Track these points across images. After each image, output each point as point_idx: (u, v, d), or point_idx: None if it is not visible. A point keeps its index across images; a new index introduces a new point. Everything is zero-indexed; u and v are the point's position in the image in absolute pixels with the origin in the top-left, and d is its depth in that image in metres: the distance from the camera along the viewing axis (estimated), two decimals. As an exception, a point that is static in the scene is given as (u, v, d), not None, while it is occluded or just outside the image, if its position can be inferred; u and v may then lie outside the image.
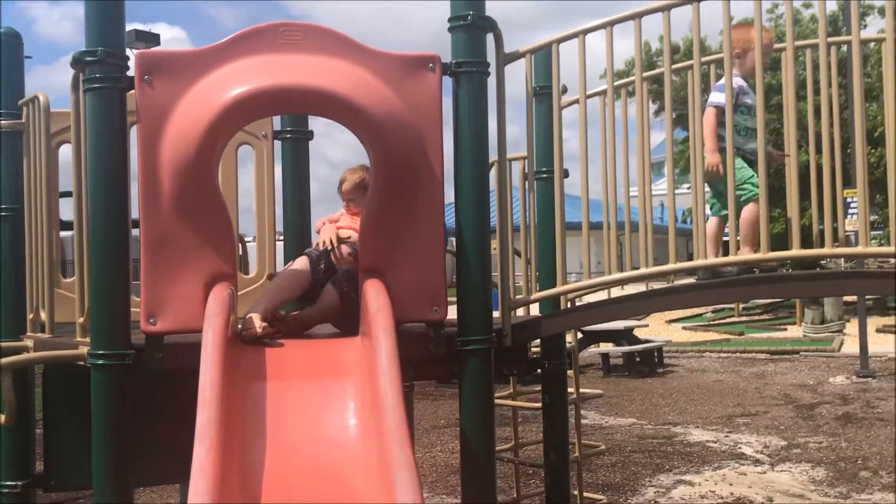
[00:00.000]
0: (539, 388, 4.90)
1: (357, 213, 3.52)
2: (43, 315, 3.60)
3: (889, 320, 19.19)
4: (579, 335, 5.79)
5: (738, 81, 3.72)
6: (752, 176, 3.67)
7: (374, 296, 2.92)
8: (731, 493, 6.80)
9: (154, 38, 17.20)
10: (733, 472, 7.44)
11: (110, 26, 2.91)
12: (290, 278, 3.32)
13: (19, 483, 3.81)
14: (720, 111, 3.62)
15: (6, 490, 3.80)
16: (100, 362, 2.87)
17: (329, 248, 3.33)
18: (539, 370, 4.15)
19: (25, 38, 4.01)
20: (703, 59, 3.46)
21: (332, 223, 3.56)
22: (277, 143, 4.27)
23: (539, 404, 4.45)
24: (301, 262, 3.35)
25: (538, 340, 4.05)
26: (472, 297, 3.15)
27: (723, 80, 3.63)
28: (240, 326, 2.99)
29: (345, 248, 3.35)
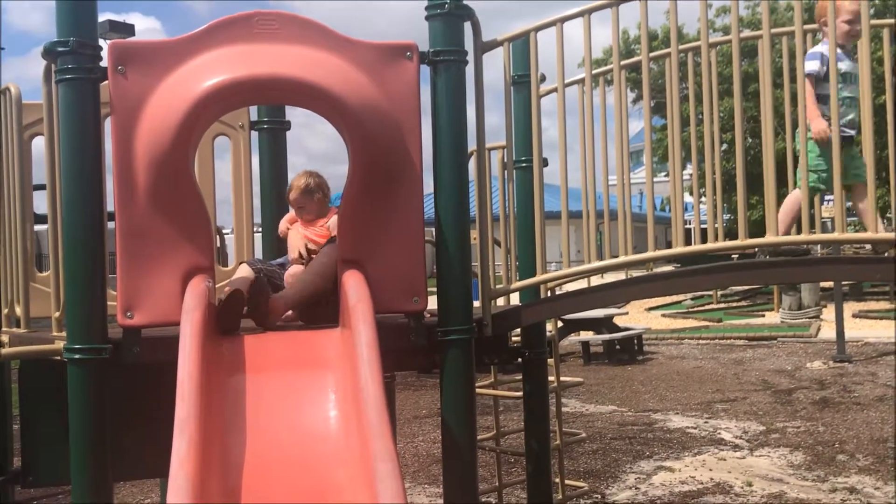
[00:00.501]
0: (520, 376, 4.92)
1: (310, 221, 3.56)
2: (18, 310, 3.56)
3: (865, 305, 19.45)
4: (559, 324, 5.80)
5: (822, 49, 3.66)
6: (819, 164, 3.63)
7: (354, 287, 2.91)
8: (711, 479, 6.86)
9: (128, 29, 16.99)
10: (713, 458, 7.51)
11: (82, 16, 2.87)
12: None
13: (-3, 480, 3.77)
14: (815, 78, 3.63)
15: (-16, 487, 3.76)
16: (76, 357, 2.84)
17: (300, 260, 3.41)
18: (520, 359, 4.16)
19: (-6, 29, 3.94)
20: (681, 47, 3.45)
21: (293, 223, 3.62)
22: (254, 134, 4.23)
23: (520, 393, 4.46)
24: (244, 270, 3.39)
25: (518, 329, 4.06)
26: (453, 287, 3.15)
27: (815, 48, 3.66)
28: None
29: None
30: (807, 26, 3.45)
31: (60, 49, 2.83)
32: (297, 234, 3.53)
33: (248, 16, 2.89)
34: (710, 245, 3.16)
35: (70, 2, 2.85)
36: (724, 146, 13.09)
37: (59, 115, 2.93)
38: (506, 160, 4.17)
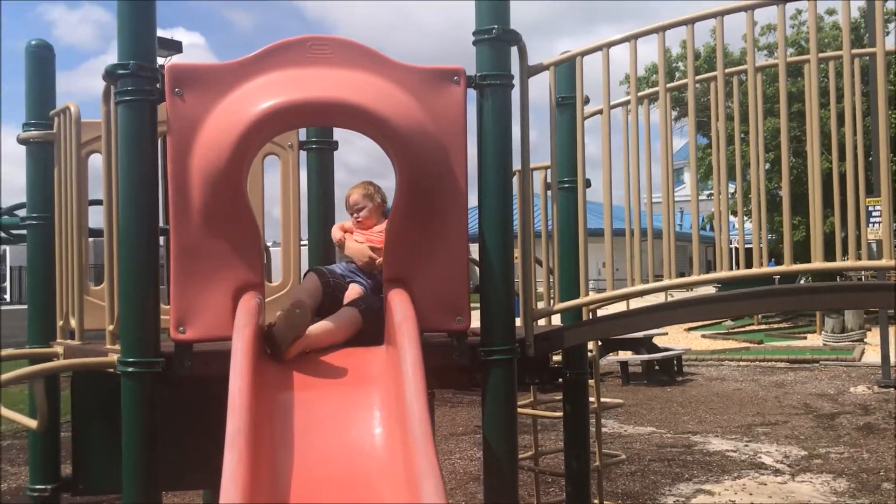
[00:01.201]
0: (558, 396, 4.92)
1: (368, 226, 3.56)
2: (72, 322, 3.66)
3: (911, 329, 19.03)
4: (599, 343, 5.79)
5: None
6: None
7: (399, 305, 2.96)
8: (752, 504, 6.77)
9: (176, 46, 17.36)
10: (753, 482, 7.40)
11: (142, 40, 2.97)
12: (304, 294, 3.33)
13: (48, 487, 3.88)
14: None
15: (36, 493, 3.87)
16: (130, 370, 2.92)
17: (373, 263, 3.42)
18: (560, 379, 4.17)
19: (32, 39, 4.05)
20: (727, 70, 3.46)
21: (348, 232, 3.61)
22: (302, 153, 4.32)
23: (560, 413, 4.46)
24: (312, 284, 3.38)
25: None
26: (496, 306, 3.18)
27: None
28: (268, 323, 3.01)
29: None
30: (855, 51, 3.43)
31: (121, 71, 2.93)
32: (359, 240, 3.53)
33: (302, 40, 2.97)
34: (754, 270, 3.15)
35: (131, 27, 2.95)
36: (767, 165, 12.98)
37: (117, 134, 3.03)
38: (548, 180, 4.21)
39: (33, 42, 4.01)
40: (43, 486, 3.88)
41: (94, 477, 3.72)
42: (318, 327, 3.08)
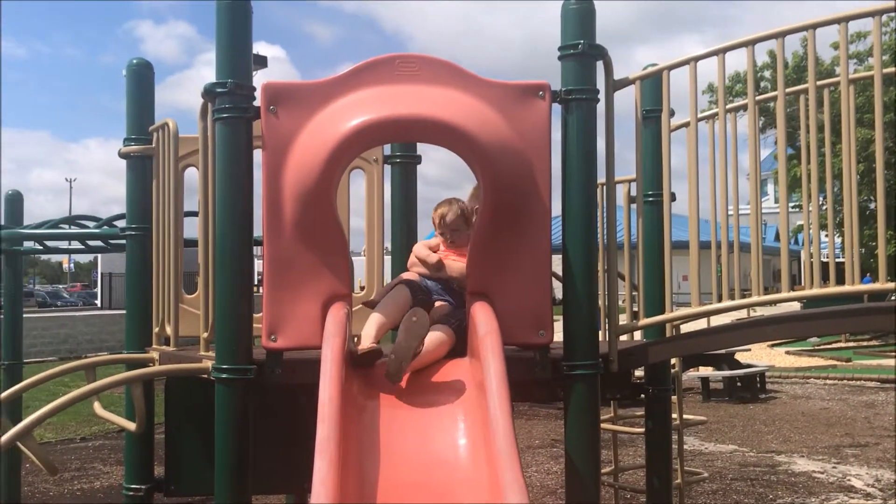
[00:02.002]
0: (639, 411, 4.87)
1: (459, 247, 3.44)
2: (168, 329, 3.81)
3: None
4: (680, 358, 5.70)
5: None
6: None
7: (483, 319, 2.99)
8: (841, 528, 6.54)
9: (262, 61, 17.89)
10: (842, 506, 7.16)
11: (239, 59, 3.10)
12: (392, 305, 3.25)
13: (142, 487, 4.03)
14: None
15: (131, 492, 4.03)
16: (224, 376, 3.03)
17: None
18: (642, 395, 4.13)
19: (134, 56, 4.26)
20: (820, 82, 3.39)
21: (435, 249, 3.55)
22: (386, 167, 4.40)
23: (640, 429, 4.42)
24: (403, 294, 3.28)
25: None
26: (579, 321, 3.18)
27: None
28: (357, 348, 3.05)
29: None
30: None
31: (219, 90, 3.06)
32: (458, 261, 3.44)
33: (390, 58, 3.04)
34: (847, 288, 3.07)
35: (229, 47, 3.07)
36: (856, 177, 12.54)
37: (213, 149, 3.16)
38: (633, 194, 4.19)
39: (134, 61, 4.20)
40: (137, 486, 4.04)
41: (185, 479, 3.86)
42: (427, 344, 3.06)
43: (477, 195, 3.51)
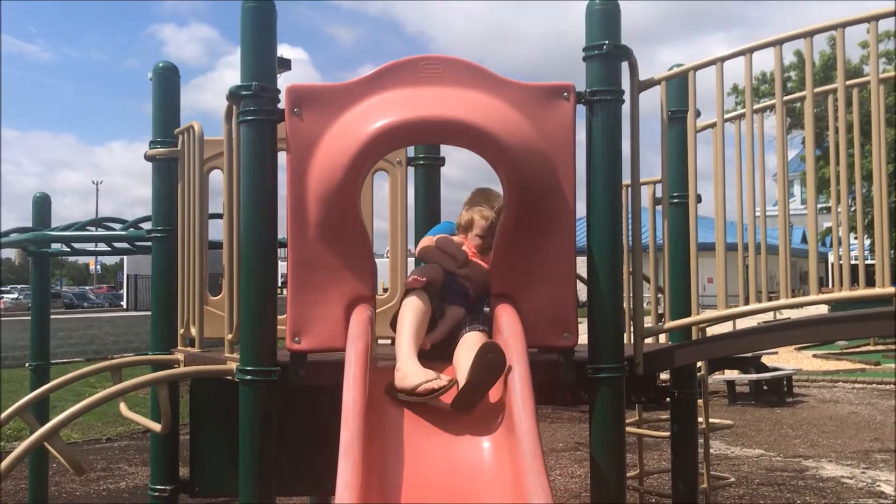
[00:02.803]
0: (664, 415, 4.83)
1: (485, 251, 3.35)
2: (192, 330, 3.83)
3: None
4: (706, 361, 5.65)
5: None
6: None
7: (507, 321, 2.98)
8: (870, 534, 6.44)
9: (286, 64, 17.98)
10: (871, 512, 7.05)
11: (264, 62, 3.11)
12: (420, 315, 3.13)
13: (167, 487, 4.06)
14: None
15: (156, 493, 4.05)
16: (248, 378, 3.04)
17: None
18: (668, 399, 4.09)
19: (156, 59, 4.30)
20: (848, 82, 3.34)
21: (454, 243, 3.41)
22: (410, 169, 4.40)
23: (666, 433, 4.38)
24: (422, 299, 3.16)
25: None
26: (604, 324, 3.15)
27: None
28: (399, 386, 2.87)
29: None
30: None
31: (244, 93, 3.07)
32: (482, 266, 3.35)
33: (414, 60, 3.03)
34: (878, 290, 3.02)
35: (253, 49, 3.08)
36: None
37: (238, 152, 3.17)
38: (657, 195, 4.15)
39: (160, 64, 4.23)
40: (163, 487, 4.07)
41: (210, 480, 3.88)
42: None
43: (489, 205, 3.46)
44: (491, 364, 2.77)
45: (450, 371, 2.97)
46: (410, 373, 2.84)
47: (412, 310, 3.11)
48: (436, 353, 3.13)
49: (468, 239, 3.44)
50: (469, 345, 3.03)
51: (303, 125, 2.99)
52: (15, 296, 48.05)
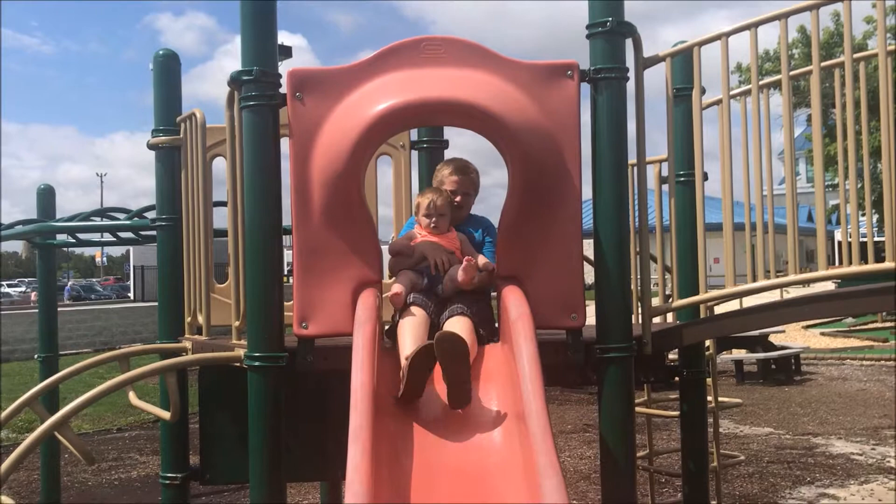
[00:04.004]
0: (672, 394, 4.82)
1: (443, 231, 3.32)
2: (200, 318, 3.83)
3: None
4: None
5: None
6: None
7: (514, 303, 2.96)
8: (881, 510, 6.45)
9: (286, 51, 17.91)
10: (882, 488, 7.04)
11: (264, 47, 3.09)
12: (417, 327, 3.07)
13: (178, 475, 4.07)
14: None
15: (167, 481, 4.07)
16: (256, 364, 3.04)
17: (443, 269, 3.23)
18: (677, 378, 4.08)
19: (154, 50, 4.26)
20: (855, 56, 3.30)
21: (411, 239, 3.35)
22: (413, 152, 4.38)
23: (675, 412, 4.37)
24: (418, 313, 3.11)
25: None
26: (612, 303, 3.13)
27: None
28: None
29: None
30: None
31: (245, 78, 3.05)
32: (435, 243, 3.30)
33: (416, 42, 3.01)
34: (888, 265, 2.99)
35: (254, 34, 3.06)
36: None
37: (241, 138, 3.15)
38: (664, 174, 4.13)
39: (161, 52, 4.22)
40: (174, 475, 4.08)
41: (220, 467, 3.88)
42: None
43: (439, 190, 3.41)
44: (450, 352, 2.72)
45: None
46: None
47: (410, 324, 3.05)
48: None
49: (420, 224, 3.36)
50: (451, 325, 3.03)
51: (305, 110, 2.97)
52: (23, 289, 48.25)
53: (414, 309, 3.11)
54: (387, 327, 3.21)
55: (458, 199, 3.44)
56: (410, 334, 3.00)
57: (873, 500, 6.72)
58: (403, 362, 2.82)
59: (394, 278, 3.32)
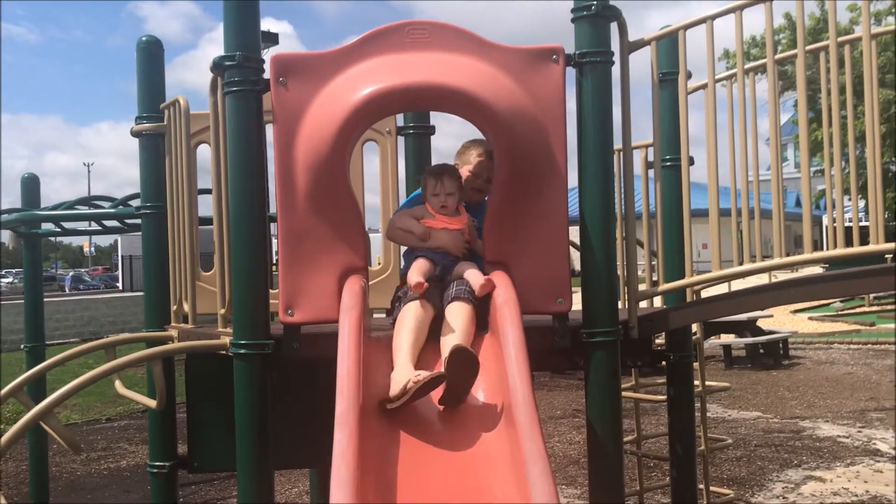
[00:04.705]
0: (660, 379, 4.83)
1: (452, 212, 3.21)
2: (185, 306, 3.81)
3: None
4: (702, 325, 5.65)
5: None
6: None
7: (501, 288, 2.96)
8: (867, 491, 6.50)
9: (273, 38, 17.80)
10: (868, 469, 7.11)
11: (247, 32, 3.05)
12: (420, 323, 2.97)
13: (166, 464, 4.06)
14: None
15: (155, 470, 4.06)
16: (242, 352, 3.02)
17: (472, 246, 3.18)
18: (664, 362, 4.09)
19: (136, 37, 4.21)
20: (840, 39, 3.30)
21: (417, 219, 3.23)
22: (400, 138, 4.36)
23: (662, 397, 4.38)
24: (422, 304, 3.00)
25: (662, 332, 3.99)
26: (598, 288, 3.13)
27: None
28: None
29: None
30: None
31: (228, 63, 3.02)
32: (458, 231, 3.22)
33: (400, 26, 2.98)
34: (871, 247, 3.00)
35: (236, 19, 3.03)
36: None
37: (224, 124, 3.13)
38: (650, 159, 4.12)
39: (144, 38, 4.17)
40: (161, 464, 4.07)
41: (208, 455, 3.87)
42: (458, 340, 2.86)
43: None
44: (461, 368, 2.67)
45: (438, 364, 2.84)
46: (400, 375, 2.72)
47: (412, 317, 2.94)
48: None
49: (430, 205, 3.23)
50: (452, 318, 2.95)
51: (289, 95, 2.94)
52: (10, 280, 48.08)
53: (422, 303, 2.98)
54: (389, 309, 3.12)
55: (480, 182, 3.34)
56: (411, 338, 2.88)
57: (859, 481, 6.78)
58: (406, 374, 2.69)
59: (405, 265, 3.22)
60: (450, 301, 3.03)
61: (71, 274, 54.06)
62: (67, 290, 40.99)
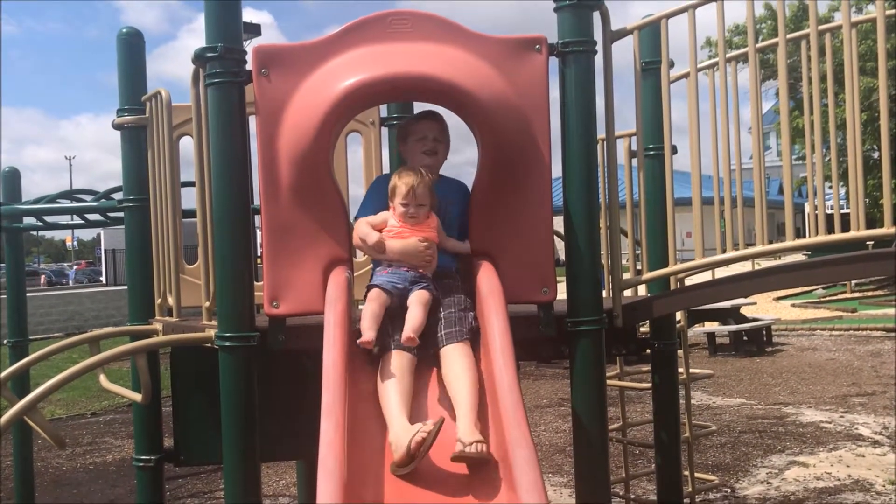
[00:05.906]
0: (645, 367, 4.86)
1: (421, 221, 2.99)
2: (170, 300, 3.79)
3: None
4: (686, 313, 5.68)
5: None
6: None
7: (485, 278, 2.97)
8: (849, 476, 6.58)
9: (255, 29, 17.69)
10: (850, 454, 7.19)
11: (228, 23, 3.03)
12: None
13: (152, 458, 4.05)
14: None
15: (141, 464, 4.04)
16: (227, 344, 3.02)
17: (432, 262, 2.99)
18: (648, 350, 4.12)
19: (114, 29, 4.18)
20: (821, 27, 3.32)
21: (379, 228, 3.02)
22: (383, 129, 4.35)
23: (647, 385, 4.41)
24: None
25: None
26: (582, 277, 3.15)
27: None
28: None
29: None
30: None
31: (209, 55, 3.00)
32: (415, 239, 2.98)
33: (382, 16, 2.98)
34: (853, 234, 3.03)
35: (217, 10, 3.01)
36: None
37: (207, 116, 3.11)
38: (633, 148, 4.14)
39: (124, 30, 4.13)
40: (147, 457, 4.05)
41: (194, 448, 3.86)
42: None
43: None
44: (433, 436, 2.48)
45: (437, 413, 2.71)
46: (400, 436, 2.51)
47: (393, 368, 2.74)
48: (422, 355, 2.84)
49: (395, 210, 3.01)
50: (455, 363, 2.78)
51: (271, 86, 2.93)
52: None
53: (398, 353, 2.77)
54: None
55: (429, 143, 3.14)
56: (397, 391, 2.68)
57: (841, 465, 6.86)
58: (404, 433, 2.50)
59: (361, 303, 2.96)
60: (445, 344, 2.83)
61: (75, 268, 53.93)
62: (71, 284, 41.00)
